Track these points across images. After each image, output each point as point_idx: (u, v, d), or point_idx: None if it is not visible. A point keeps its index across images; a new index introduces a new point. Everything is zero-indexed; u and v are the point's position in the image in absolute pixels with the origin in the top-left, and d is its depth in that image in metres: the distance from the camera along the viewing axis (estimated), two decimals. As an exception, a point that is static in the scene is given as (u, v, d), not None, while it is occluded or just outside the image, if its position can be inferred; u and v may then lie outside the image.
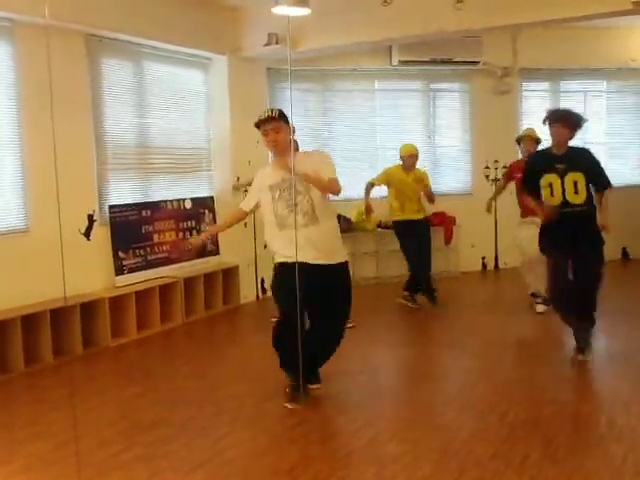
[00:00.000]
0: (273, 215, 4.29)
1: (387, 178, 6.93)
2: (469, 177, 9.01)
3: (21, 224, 5.58)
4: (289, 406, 4.26)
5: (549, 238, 5.03)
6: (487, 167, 8.91)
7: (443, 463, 3.47)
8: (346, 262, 4.42)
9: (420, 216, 6.94)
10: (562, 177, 4.83)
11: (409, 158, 6.84)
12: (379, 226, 8.22)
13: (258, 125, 4.29)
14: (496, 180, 8.83)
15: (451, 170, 9.08)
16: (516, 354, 5.45)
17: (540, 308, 6.54)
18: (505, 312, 6.77)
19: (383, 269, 8.48)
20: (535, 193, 5.07)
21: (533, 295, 6.73)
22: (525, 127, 7.07)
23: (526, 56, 8.74)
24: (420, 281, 6.95)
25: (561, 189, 4.84)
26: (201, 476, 3.42)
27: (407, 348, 5.87)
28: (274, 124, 4.24)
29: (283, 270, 4.25)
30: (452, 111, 9.07)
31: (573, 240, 4.86)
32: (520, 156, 6.92)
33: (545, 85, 9.36)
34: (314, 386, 4.43)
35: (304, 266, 3.99)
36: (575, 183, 4.81)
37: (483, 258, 9.08)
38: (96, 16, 5.84)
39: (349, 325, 6.00)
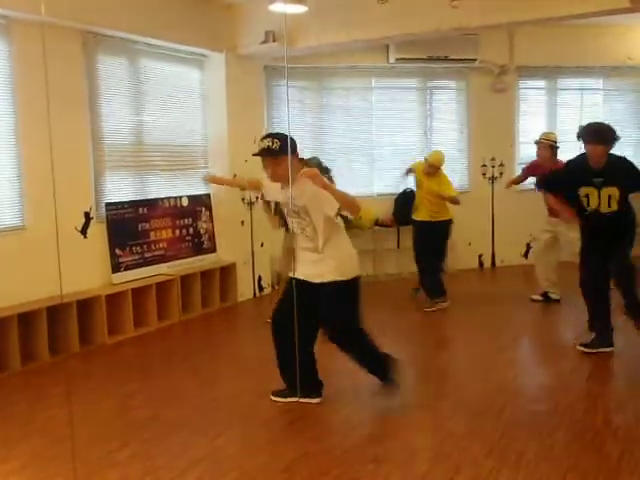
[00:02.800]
0: (291, 227, 4.20)
1: (415, 167, 7.04)
2: (466, 175, 9.01)
3: (17, 222, 5.57)
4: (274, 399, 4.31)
5: (588, 236, 5.19)
6: (484, 165, 8.91)
7: (439, 461, 3.48)
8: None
9: (426, 218, 6.88)
10: (599, 190, 4.93)
11: (429, 166, 6.82)
12: (376, 224, 8.21)
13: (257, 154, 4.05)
14: (493, 178, 8.85)
15: (448, 168, 9.03)
16: (512, 352, 5.45)
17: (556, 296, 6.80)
18: (502, 310, 6.77)
19: (380, 267, 8.49)
20: (555, 194, 5.30)
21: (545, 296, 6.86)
22: (543, 132, 7.03)
23: (523, 54, 8.74)
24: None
25: (597, 201, 4.95)
26: (197, 474, 3.42)
27: (403, 346, 5.87)
28: (273, 158, 3.95)
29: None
30: (449, 109, 9.07)
31: (607, 238, 5.05)
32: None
33: (542, 83, 9.36)
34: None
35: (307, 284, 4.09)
36: (609, 197, 4.93)
37: (480, 256, 9.08)
38: (92, 13, 5.82)
39: None
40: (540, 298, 6.84)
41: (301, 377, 4.20)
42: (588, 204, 5.00)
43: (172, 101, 7.14)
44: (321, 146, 8.45)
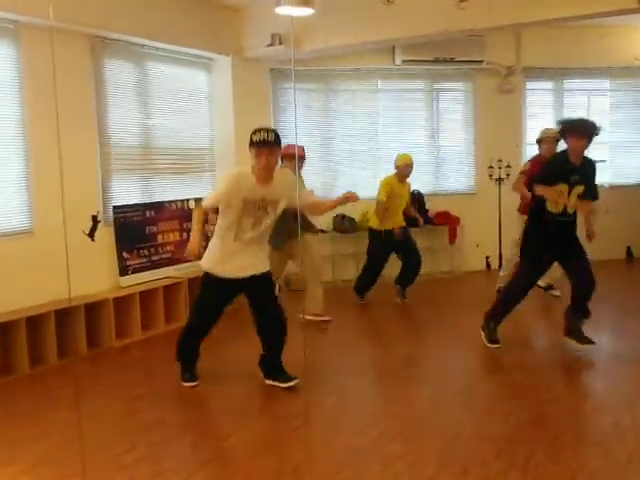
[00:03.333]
0: (235, 225, 4.37)
1: (389, 189, 6.89)
2: (473, 177, 9.00)
3: (25, 225, 5.60)
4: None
5: (537, 242, 5.20)
6: (491, 167, 8.89)
7: (447, 462, 3.47)
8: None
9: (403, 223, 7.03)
10: (571, 189, 4.95)
11: (406, 168, 6.87)
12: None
13: (253, 144, 4.28)
14: (500, 179, 8.83)
15: (455, 170, 9.07)
16: (519, 353, 5.43)
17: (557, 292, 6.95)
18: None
19: (386, 269, 8.46)
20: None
21: (547, 288, 6.96)
22: (545, 128, 7.03)
23: (530, 55, 8.73)
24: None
25: (566, 199, 4.97)
26: (205, 476, 3.42)
27: (410, 348, 5.87)
28: (270, 148, 4.27)
29: (212, 282, 4.56)
30: (455, 110, 9.06)
31: (560, 245, 5.11)
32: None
33: (549, 84, 9.34)
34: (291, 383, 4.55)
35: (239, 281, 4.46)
36: (577, 196, 4.98)
37: (487, 257, 9.06)
38: (100, 17, 5.86)
39: (326, 318, 6.21)
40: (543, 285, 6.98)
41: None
42: (558, 202, 4.97)
43: (179, 104, 7.16)
44: (327, 148, 8.47)
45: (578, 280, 5.15)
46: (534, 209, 5.23)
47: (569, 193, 4.96)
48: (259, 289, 4.56)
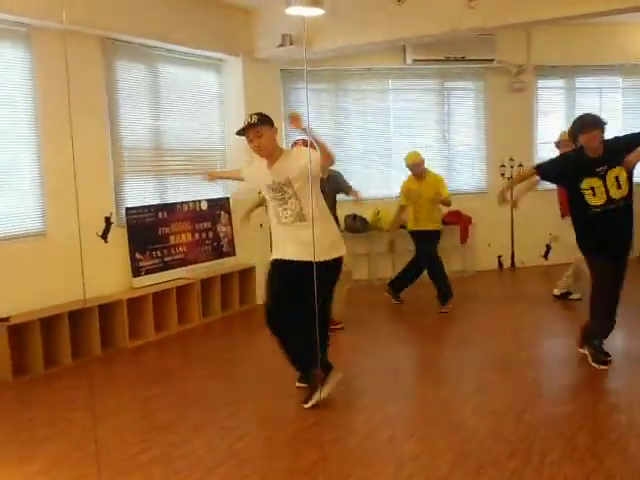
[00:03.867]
0: (271, 210, 4.48)
1: (406, 190, 6.94)
2: (484, 176, 8.98)
3: (39, 227, 5.63)
4: (306, 405, 4.26)
5: (593, 238, 4.89)
6: (502, 165, 8.86)
7: (461, 462, 3.46)
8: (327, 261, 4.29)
9: (427, 227, 6.88)
10: (605, 178, 4.70)
11: (414, 166, 6.84)
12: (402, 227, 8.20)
13: (240, 134, 4.38)
14: (512, 178, 8.78)
15: (466, 169, 9.05)
16: (533, 353, 5.41)
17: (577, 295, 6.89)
18: (522, 311, 6.74)
19: (399, 269, 8.46)
20: (547, 179, 5.17)
21: (564, 296, 6.92)
22: (562, 130, 6.95)
23: (541, 53, 8.70)
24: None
25: (604, 189, 4.70)
26: (219, 476, 3.43)
27: (423, 347, 5.87)
28: (254, 130, 4.31)
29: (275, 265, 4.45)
30: (467, 109, 9.05)
31: (617, 241, 4.82)
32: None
33: (560, 82, 9.30)
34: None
35: (288, 263, 4.32)
36: (617, 178, 4.69)
37: (499, 257, 9.04)
38: (112, 20, 5.89)
39: (338, 326, 6.00)
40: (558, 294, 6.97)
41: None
42: (594, 194, 4.71)
43: (190, 105, 7.19)
44: (339, 148, 8.46)
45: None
46: (574, 207, 4.92)
47: (605, 184, 4.68)
48: (300, 277, 4.24)
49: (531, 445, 3.62)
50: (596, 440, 3.68)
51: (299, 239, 4.28)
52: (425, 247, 6.91)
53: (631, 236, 4.89)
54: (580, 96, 9.28)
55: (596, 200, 4.74)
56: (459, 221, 8.62)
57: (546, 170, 5.08)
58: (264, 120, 4.36)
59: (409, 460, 3.52)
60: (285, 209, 4.35)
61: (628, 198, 4.77)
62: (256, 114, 4.39)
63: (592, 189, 4.72)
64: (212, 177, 5.78)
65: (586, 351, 5.00)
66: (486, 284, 8.27)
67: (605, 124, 4.75)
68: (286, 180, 4.29)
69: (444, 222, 8.45)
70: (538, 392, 4.52)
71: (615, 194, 4.72)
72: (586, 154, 4.75)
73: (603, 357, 4.88)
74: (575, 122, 4.85)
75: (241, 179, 4.92)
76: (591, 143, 4.69)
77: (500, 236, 8.86)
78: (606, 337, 4.98)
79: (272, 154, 4.37)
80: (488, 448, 3.61)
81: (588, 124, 4.72)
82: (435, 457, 3.54)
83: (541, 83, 9.11)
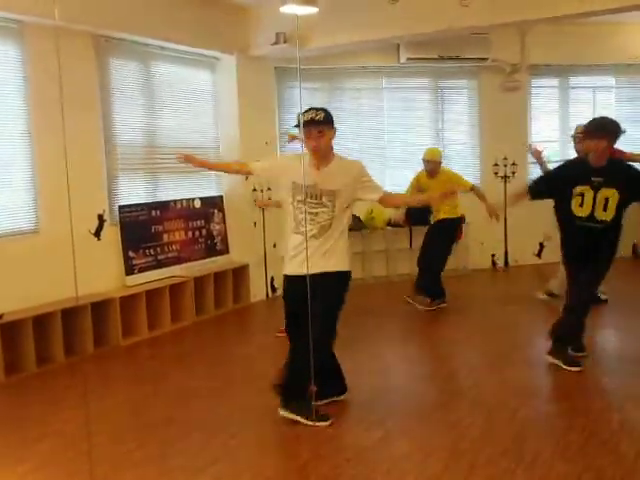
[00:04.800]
0: (292, 215, 4.08)
1: (415, 183, 6.96)
2: (478, 174, 8.98)
3: (31, 225, 5.62)
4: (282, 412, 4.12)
5: (569, 249, 4.94)
6: (496, 164, 8.88)
7: (454, 461, 3.47)
8: (340, 272, 4.13)
9: (440, 216, 6.86)
10: (595, 191, 4.61)
11: (426, 163, 6.84)
12: (388, 224, 8.21)
13: (299, 125, 4.03)
14: (505, 177, 8.81)
15: (460, 167, 8.96)
16: (526, 352, 5.43)
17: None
18: (515, 310, 6.75)
19: (393, 267, 8.49)
20: (539, 198, 4.99)
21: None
22: (577, 124, 6.87)
23: (535, 52, 8.70)
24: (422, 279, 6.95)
25: (592, 202, 4.62)
26: (212, 474, 3.43)
27: (416, 346, 5.88)
28: (318, 128, 3.96)
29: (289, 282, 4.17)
30: (461, 108, 9.06)
31: (590, 255, 4.76)
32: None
33: (554, 81, 9.32)
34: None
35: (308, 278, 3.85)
36: (606, 200, 4.59)
37: (493, 256, 9.06)
38: (105, 17, 5.86)
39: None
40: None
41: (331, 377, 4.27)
42: (581, 204, 4.65)
43: (184, 103, 7.17)
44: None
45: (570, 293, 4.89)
46: (561, 215, 4.88)
47: (594, 197, 4.60)
48: (320, 288, 3.97)
49: (524, 444, 3.63)
50: (588, 439, 3.69)
51: (323, 251, 4.01)
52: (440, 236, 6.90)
53: (611, 252, 4.83)
54: (574, 95, 9.30)
55: (581, 211, 4.68)
56: (452, 220, 8.61)
57: (538, 190, 5.00)
58: (329, 119, 4.02)
59: (402, 459, 3.53)
60: (312, 219, 3.99)
61: (612, 222, 4.67)
62: (322, 110, 4.02)
63: (582, 196, 4.65)
64: (194, 163, 4.68)
65: (555, 360, 4.90)
66: (480, 283, 8.29)
67: (615, 133, 4.61)
68: (330, 190, 3.98)
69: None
70: (531, 391, 4.52)
71: (599, 215, 4.64)
72: (588, 162, 4.70)
73: (574, 361, 4.84)
74: (587, 123, 4.74)
75: (246, 173, 4.54)
76: (593, 150, 4.60)
77: (493, 235, 8.87)
78: (572, 341, 4.95)
79: (326, 157, 4.06)
80: (481, 447, 3.62)
81: (593, 131, 4.61)
82: (428, 456, 3.55)
83: (535, 82, 9.12)
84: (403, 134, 8.73)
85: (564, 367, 4.80)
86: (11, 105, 5.46)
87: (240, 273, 7.40)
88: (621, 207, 4.64)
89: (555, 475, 3.29)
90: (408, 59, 8.32)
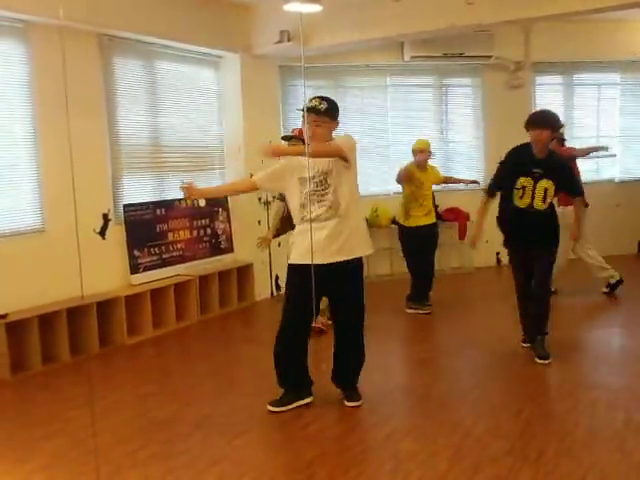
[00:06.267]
0: (299, 205, 4.12)
1: (410, 175, 6.62)
2: (482, 172, 8.95)
3: (37, 224, 5.62)
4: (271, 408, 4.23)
5: (510, 235, 5.19)
6: (500, 162, 8.84)
7: (459, 459, 3.47)
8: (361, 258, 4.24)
9: (428, 221, 6.70)
10: (535, 182, 4.87)
11: (418, 153, 6.64)
12: (393, 222, 8.20)
13: (303, 109, 4.06)
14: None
15: (464, 165, 9.05)
16: (530, 350, 5.42)
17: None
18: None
19: (397, 265, 8.47)
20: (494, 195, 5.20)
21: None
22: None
23: (539, 50, 8.68)
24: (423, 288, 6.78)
25: (531, 194, 4.89)
26: (217, 474, 3.44)
27: (421, 345, 5.87)
28: (316, 117, 4.01)
29: (296, 272, 4.13)
30: (465, 106, 9.04)
31: (532, 240, 4.98)
32: None
33: (558, 79, 9.30)
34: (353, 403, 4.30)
35: (319, 267, 3.78)
36: (545, 190, 4.87)
37: (497, 253, 9.03)
38: (108, 16, 5.87)
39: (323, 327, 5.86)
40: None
41: (302, 376, 4.30)
42: (521, 197, 4.91)
43: (188, 102, 7.18)
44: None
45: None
46: (504, 201, 5.12)
47: (534, 187, 4.87)
48: (343, 278, 4.16)
49: (529, 442, 3.63)
50: (593, 437, 3.69)
51: (338, 235, 4.06)
52: (433, 243, 6.80)
53: (548, 237, 5.00)
54: (578, 92, 9.28)
55: (521, 203, 4.93)
56: (457, 218, 8.62)
57: (491, 185, 5.24)
58: (330, 111, 4.04)
59: (407, 457, 3.53)
60: (322, 204, 4.03)
61: (547, 208, 4.95)
62: (326, 100, 4.06)
63: (523, 189, 4.90)
64: (194, 195, 4.64)
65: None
66: (484, 281, 8.28)
67: (557, 125, 4.89)
68: (328, 168, 4.02)
69: (442, 219, 8.47)
70: (535, 389, 4.52)
71: (538, 205, 4.90)
72: (531, 152, 4.92)
73: (540, 352, 5.00)
74: (530, 115, 5.03)
75: (251, 189, 4.52)
76: (536, 141, 4.86)
77: (498, 233, 8.81)
78: (525, 332, 5.23)
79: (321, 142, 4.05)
80: (486, 445, 3.62)
81: (535, 121, 4.89)
82: (433, 454, 3.55)
83: (539, 79, 9.10)
84: (407, 132, 8.69)
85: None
86: (16, 104, 5.47)
87: (245, 272, 7.40)
88: (552, 197, 4.94)
89: (560, 473, 3.29)
90: (412, 57, 8.31)
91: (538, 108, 9.00)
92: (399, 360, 5.49)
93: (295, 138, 5.48)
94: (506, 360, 5.13)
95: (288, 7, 5.51)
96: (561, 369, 4.92)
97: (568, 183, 5.03)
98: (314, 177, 4.04)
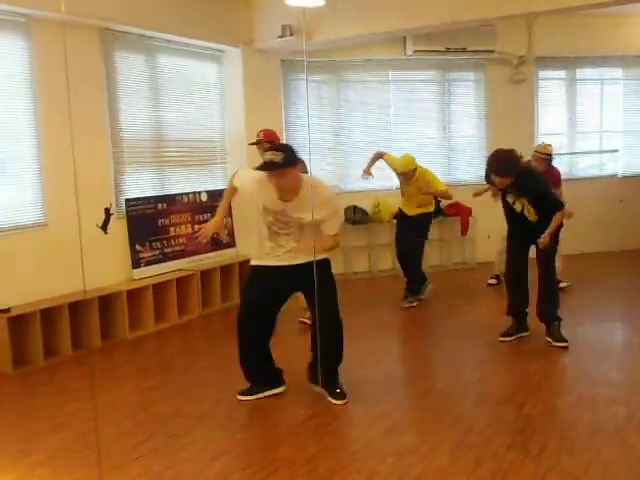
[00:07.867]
0: (266, 228, 4.16)
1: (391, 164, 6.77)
2: (484, 167, 8.92)
3: (40, 219, 5.63)
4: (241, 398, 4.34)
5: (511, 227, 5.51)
6: (503, 157, 8.83)
7: (460, 454, 3.48)
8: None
9: (411, 212, 6.77)
10: (517, 198, 5.21)
11: (403, 175, 6.66)
12: (395, 217, 8.19)
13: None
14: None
15: (466, 160, 9.02)
16: (533, 345, 5.42)
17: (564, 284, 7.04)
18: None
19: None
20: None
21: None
22: (540, 143, 7.08)
23: (542, 44, 8.66)
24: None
25: (520, 207, 5.22)
26: (219, 467, 3.44)
27: (423, 339, 5.87)
28: (277, 171, 3.86)
29: (259, 272, 4.30)
30: (467, 101, 9.01)
31: (532, 236, 5.16)
32: None
33: (561, 73, 9.28)
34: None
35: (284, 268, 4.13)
36: (524, 206, 5.19)
37: (499, 248, 9.02)
38: (110, 10, 5.86)
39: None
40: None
41: (268, 367, 4.39)
42: (514, 204, 5.24)
43: (190, 96, 7.18)
44: (339, 139, 8.45)
45: None
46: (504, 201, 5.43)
47: (513, 202, 5.23)
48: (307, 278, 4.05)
49: (530, 436, 3.64)
50: (595, 431, 3.69)
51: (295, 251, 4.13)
52: (409, 232, 6.81)
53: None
54: (581, 87, 9.26)
55: (516, 207, 5.26)
56: (459, 213, 8.61)
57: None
58: (288, 161, 3.85)
59: (409, 451, 3.53)
60: (287, 235, 4.12)
61: (540, 219, 5.16)
62: (282, 150, 3.89)
63: (513, 202, 5.24)
64: (209, 230, 4.48)
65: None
66: (486, 276, 8.26)
67: (516, 171, 5.03)
68: (298, 217, 4.01)
69: (445, 214, 8.46)
70: (537, 384, 4.52)
71: (529, 215, 5.19)
72: None
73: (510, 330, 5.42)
74: (493, 156, 5.24)
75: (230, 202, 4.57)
76: (497, 184, 5.20)
77: (500, 227, 8.82)
78: (517, 312, 5.47)
79: (292, 191, 3.97)
80: (487, 440, 3.63)
81: (496, 171, 5.10)
82: (435, 448, 3.55)
83: (542, 74, 9.08)
84: (409, 127, 8.70)
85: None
86: (18, 98, 5.46)
87: (246, 266, 7.32)
88: (539, 211, 5.16)
89: (561, 468, 3.29)
90: (415, 51, 8.29)
91: (541, 103, 9.07)
92: (400, 355, 5.49)
93: (262, 142, 5.64)
94: (508, 355, 5.13)
95: (290, 1, 5.50)
96: (563, 364, 4.92)
97: (542, 202, 5.15)
98: (278, 214, 4.08)
